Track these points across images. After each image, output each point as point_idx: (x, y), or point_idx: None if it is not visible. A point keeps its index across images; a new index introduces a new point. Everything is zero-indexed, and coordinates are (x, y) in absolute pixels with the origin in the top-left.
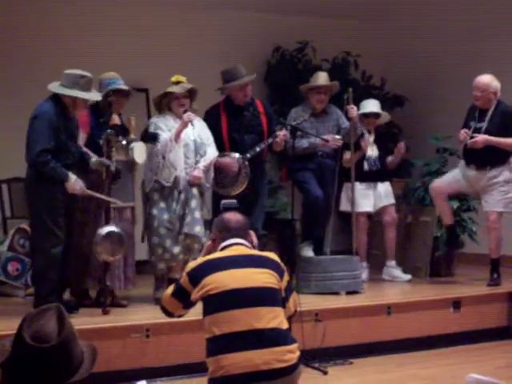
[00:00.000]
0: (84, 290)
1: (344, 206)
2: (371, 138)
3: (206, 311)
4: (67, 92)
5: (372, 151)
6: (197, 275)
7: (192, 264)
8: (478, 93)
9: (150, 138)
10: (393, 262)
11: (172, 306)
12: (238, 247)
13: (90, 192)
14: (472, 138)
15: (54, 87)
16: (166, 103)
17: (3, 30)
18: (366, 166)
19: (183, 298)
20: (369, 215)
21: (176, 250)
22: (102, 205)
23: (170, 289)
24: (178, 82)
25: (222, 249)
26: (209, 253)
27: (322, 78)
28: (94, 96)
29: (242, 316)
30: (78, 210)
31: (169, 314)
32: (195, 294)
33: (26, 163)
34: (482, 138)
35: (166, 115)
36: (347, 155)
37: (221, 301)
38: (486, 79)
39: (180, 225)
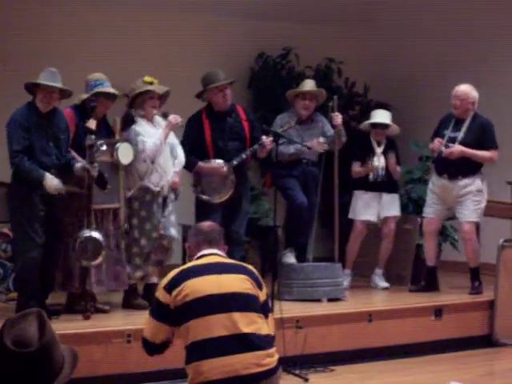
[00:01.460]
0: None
1: (351, 214)
2: (379, 149)
3: (183, 319)
4: (32, 82)
5: (378, 162)
6: (174, 284)
7: (165, 279)
8: (457, 101)
9: (129, 121)
10: (380, 271)
11: (154, 331)
12: (214, 257)
13: (68, 188)
14: (447, 146)
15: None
16: (139, 102)
17: None
18: (371, 176)
19: (165, 315)
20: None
21: (153, 256)
22: (84, 207)
23: (147, 315)
24: (151, 83)
25: (198, 258)
26: None
27: (308, 84)
28: (55, 84)
29: (219, 321)
30: (61, 211)
31: (153, 347)
32: (174, 300)
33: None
34: (458, 149)
35: (137, 120)
36: (356, 167)
37: (197, 307)
38: (466, 88)
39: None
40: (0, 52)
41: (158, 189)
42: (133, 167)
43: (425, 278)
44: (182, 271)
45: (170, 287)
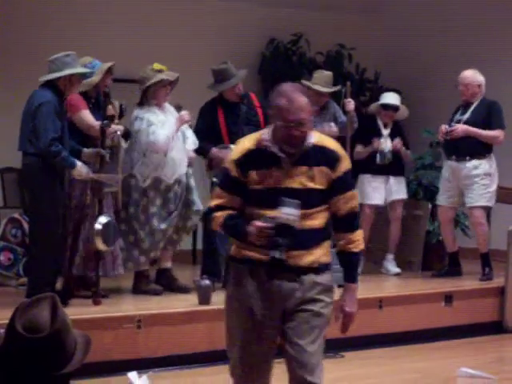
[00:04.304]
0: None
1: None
2: (386, 132)
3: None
4: (63, 73)
5: (385, 144)
6: None
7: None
8: (463, 87)
9: (127, 135)
10: (391, 256)
11: None
12: None
13: (95, 176)
14: (451, 127)
15: (48, 76)
16: (152, 91)
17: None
18: (378, 159)
19: None
20: (377, 208)
21: (174, 237)
22: (96, 191)
23: None
24: (161, 70)
25: None
26: None
27: (323, 81)
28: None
29: None
30: (73, 203)
31: None
32: None
33: (37, 150)
34: (460, 127)
35: (150, 108)
36: (358, 148)
37: None
38: (470, 73)
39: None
40: (6, 45)
41: (171, 182)
42: (147, 158)
43: (448, 264)
44: None
45: None
